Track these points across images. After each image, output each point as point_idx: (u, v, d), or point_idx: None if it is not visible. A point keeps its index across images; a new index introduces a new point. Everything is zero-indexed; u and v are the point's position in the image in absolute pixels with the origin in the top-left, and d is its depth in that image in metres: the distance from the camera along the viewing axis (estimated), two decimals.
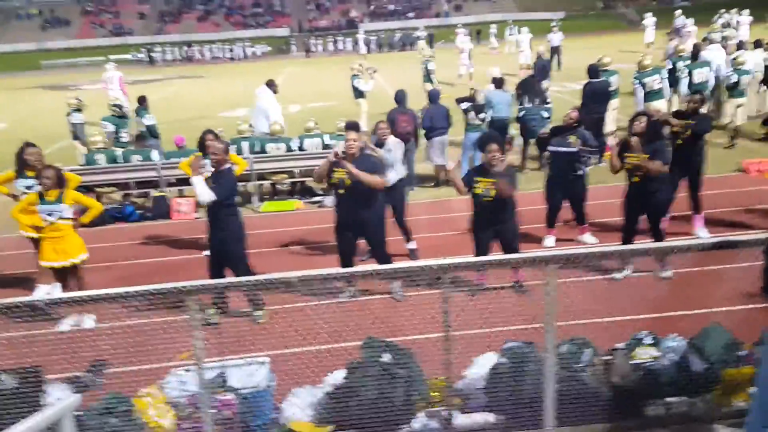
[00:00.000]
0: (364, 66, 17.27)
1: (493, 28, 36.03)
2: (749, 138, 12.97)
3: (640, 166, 6.60)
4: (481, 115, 10.95)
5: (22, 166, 7.46)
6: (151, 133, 12.61)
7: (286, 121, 12.72)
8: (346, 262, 6.77)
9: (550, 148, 7.83)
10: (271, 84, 13.03)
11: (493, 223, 6.56)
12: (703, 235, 7.91)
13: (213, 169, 6.48)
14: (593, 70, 11.71)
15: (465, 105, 11.10)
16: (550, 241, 8.12)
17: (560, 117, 8.29)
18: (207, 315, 6.04)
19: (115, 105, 12.71)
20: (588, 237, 8.11)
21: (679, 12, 29.26)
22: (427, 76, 19.05)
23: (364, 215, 6.57)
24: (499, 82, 11.78)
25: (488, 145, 6.48)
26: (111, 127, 12.16)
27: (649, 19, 30.26)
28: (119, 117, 12.36)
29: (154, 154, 10.73)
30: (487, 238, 6.67)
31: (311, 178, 11.13)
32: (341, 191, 6.55)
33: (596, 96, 11.43)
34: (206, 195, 6.27)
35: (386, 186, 6.76)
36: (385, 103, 13.21)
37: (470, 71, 23.67)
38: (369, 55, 41.65)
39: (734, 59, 12.75)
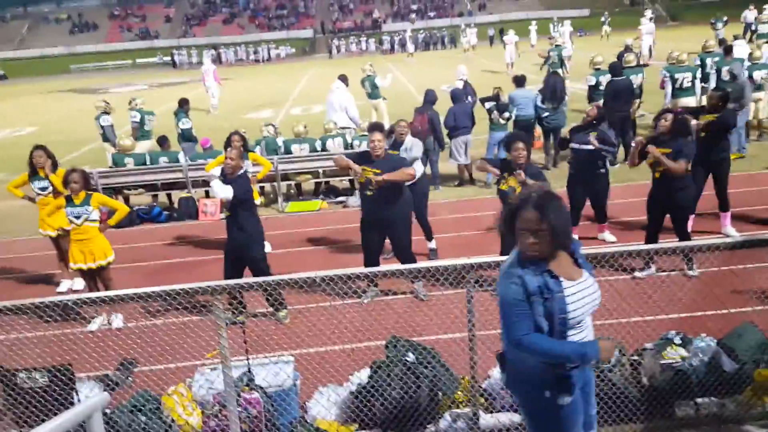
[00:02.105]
0: (374, 66, 17.17)
1: (533, 26, 35.90)
2: None
3: (661, 161, 6.55)
4: (505, 114, 10.90)
5: (33, 168, 7.74)
6: (185, 136, 12.81)
7: (311, 122, 12.79)
8: (371, 261, 6.78)
9: (572, 145, 7.78)
10: (344, 78, 13.13)
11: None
12: (730, 233, 7.77)
13: (228, 173, 6.53)
14: (616, 68, 11.57)
15: (489, 104, 11.05)
16: None
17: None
18: (233, 317, 6.10)
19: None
20: (607, 235, 8.02)
21: (649, 13, 30.08)
22: (561, 63, 18.97)
23: (389, 214, 6.58)
24: (520, 81, 11.69)
25: (514, 144, 6.51)
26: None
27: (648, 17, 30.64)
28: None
29: (181, 156, 10.86)
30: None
31: (335, 179, 11.19)
32: (369, 191, 6.57)
33: (619, 94, 11.28)
34: (224, 192, 6.33)
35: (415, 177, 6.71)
36: (410, 102, 13.21)
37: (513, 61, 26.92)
38: (415, 53, 41.75)
39: (750, 54, 12.51)
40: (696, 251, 4.36)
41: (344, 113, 12.58)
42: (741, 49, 13.84)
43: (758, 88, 12.05)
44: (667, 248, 4.37)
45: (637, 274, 6.84)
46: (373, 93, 15.94)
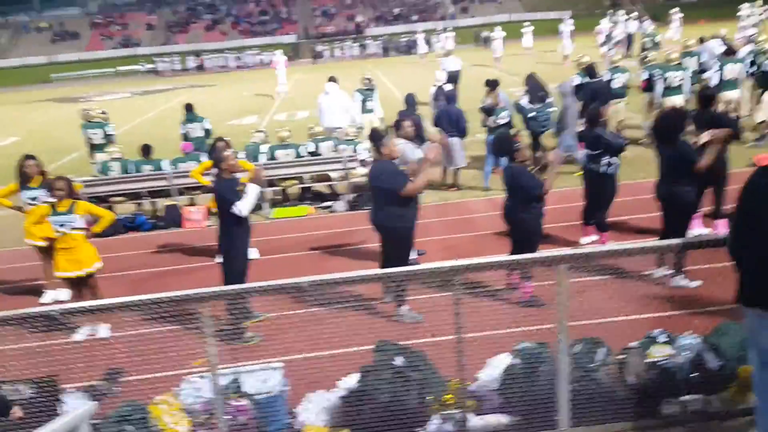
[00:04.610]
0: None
1: (529, 27, 35.36)
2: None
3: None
4: (491, 118, 10.87)
5: (24, 178, 7.67)
6: (209, 136, 12.77)
7: (295, 128, 12.75)
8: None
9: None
10: (335, 79, 13.09)
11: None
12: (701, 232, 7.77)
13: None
14: (591, 70, 11.64)
15: (480, 109, 11.10)
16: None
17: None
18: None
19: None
20: (588, 238, 8.05)
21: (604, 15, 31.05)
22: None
23: None
24: (492, 84, 11.71)
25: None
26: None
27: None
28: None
29: (164, 165, 10.78)
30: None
31: (321, 184, 11.17)
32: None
33: (596, 96, 11.32)
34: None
35: None
36: (395, 106, 13.22)
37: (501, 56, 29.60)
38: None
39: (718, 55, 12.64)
40: (684, 249, 4.41)
41: (345, 113, 12.54)
42: (718, 47, 13.95)
43: (732, 87, 12.14)
44: (653, 247, 4.42)
45: (654, 273, 6.80)
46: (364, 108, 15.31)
